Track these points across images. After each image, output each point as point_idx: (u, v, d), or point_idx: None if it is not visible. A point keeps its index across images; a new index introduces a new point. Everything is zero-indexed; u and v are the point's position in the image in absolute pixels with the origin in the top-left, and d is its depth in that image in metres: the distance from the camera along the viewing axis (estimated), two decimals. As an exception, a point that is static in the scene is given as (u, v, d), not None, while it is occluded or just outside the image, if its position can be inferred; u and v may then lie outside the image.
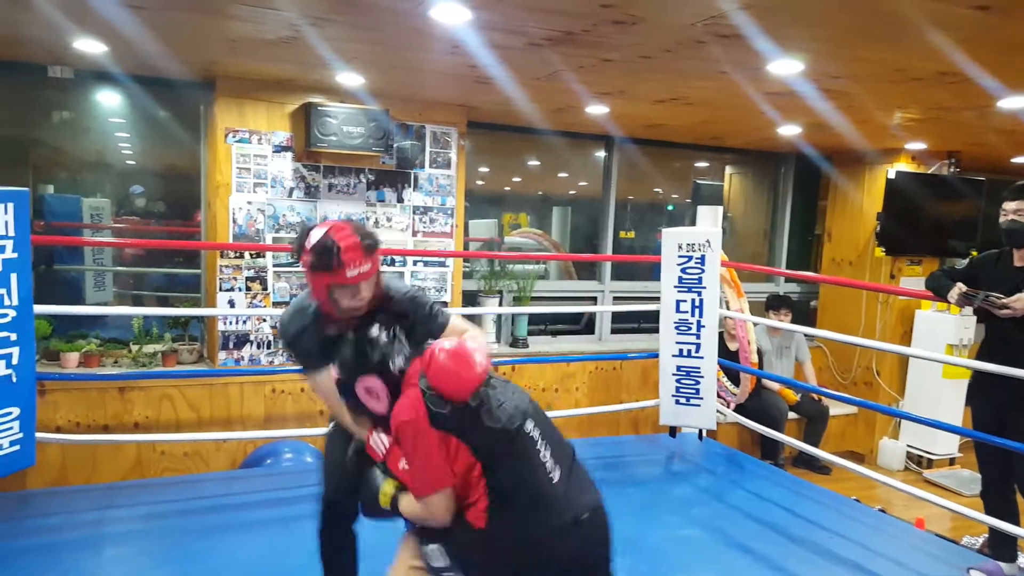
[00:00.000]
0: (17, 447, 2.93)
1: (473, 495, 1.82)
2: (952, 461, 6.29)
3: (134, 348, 4.38)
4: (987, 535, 3.79)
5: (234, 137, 4.31)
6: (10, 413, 2.88)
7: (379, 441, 1.96)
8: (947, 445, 6.23)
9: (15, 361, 2.88)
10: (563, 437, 1.96)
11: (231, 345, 4.42)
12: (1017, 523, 3.05)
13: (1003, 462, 3.03)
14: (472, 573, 1.87)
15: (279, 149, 4.42)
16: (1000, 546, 3.05)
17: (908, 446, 6.32)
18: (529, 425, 1.86)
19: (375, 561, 2.23)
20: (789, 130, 5.29)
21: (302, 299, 2.21)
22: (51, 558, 2.76)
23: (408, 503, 1.90)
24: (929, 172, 6.32)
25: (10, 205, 2.82)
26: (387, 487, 1.94)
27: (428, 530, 1.89)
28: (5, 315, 2.83)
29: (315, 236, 2.02)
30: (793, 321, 6.47)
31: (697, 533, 3.18)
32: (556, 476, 1.85)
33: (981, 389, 3.15)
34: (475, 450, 1.80)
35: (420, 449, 1.80)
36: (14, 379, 2.88)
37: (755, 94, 3.98)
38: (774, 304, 5.65)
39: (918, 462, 6.28)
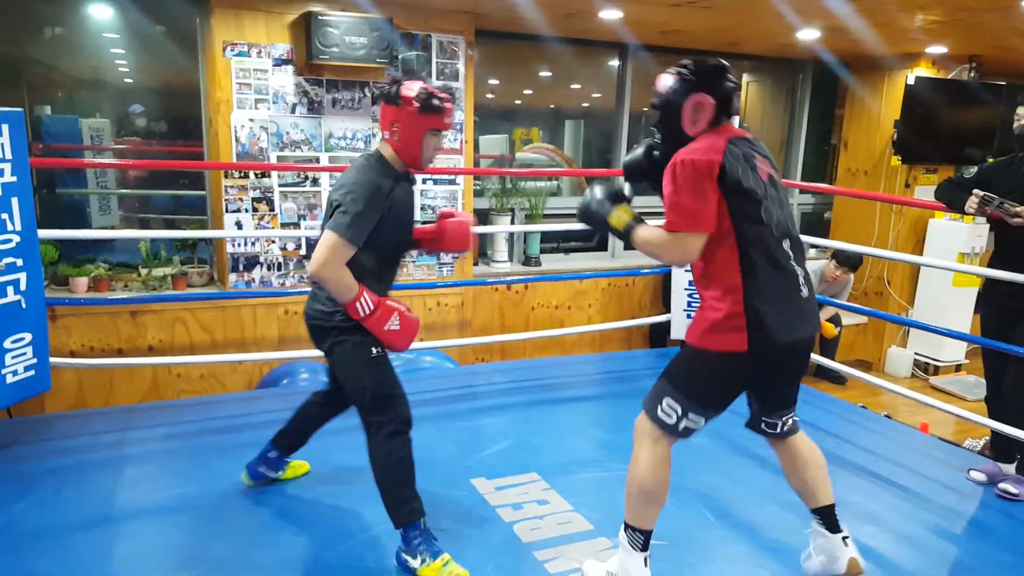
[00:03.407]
0: (32, 372, 2.96)
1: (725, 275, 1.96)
2: (958, 368, 6.35)
3: (143, 272, 4.37)
4: (988, 437, 3.85)
5: (232, 51, 4.16)
6: (22, 339, 2.89)
7: (366, 302, 2.23)
8: (953, 352, 6.28)
9: (23, 287, 2.87)
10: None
11: (241, 267, 4.40)
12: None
13: (1005, 367, 3.05)
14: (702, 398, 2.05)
15: (279, 62, 4.28)
16: (1001, 448, 3.10)
17: (916, 354, 6.37)
18: (785, 243, 2.01)
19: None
20: (807, 35, 5.08)
21: (371, 163, 2.29)
22: (75, 477, 2.82)
23: (650, 233, 2.04)
24: (949, 77, 6.11)
25: (4, 126, 2.74)
26: (621, 212, 2.09)
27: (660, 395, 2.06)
28: (8, 240, 2.79)
29: (416, 85, 2.23)
30: (807, 233, 6.39)
31: (705, 441, 3.21)
32: (805, 290, 2.03)
33: (990, 296, 3.13)
34: (735, 226, 1.94)
35: (699, 189, 1.91)
36: (23, 305, 2.87)
37: (774, -5, 3.80)
38: (843, 260, 5.38)
39: (924, 369, 6.34)
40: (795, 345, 2.01)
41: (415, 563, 2.24)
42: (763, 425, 2.21)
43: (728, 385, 2.06)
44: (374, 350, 2.32)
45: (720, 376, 2.03)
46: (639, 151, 2.24)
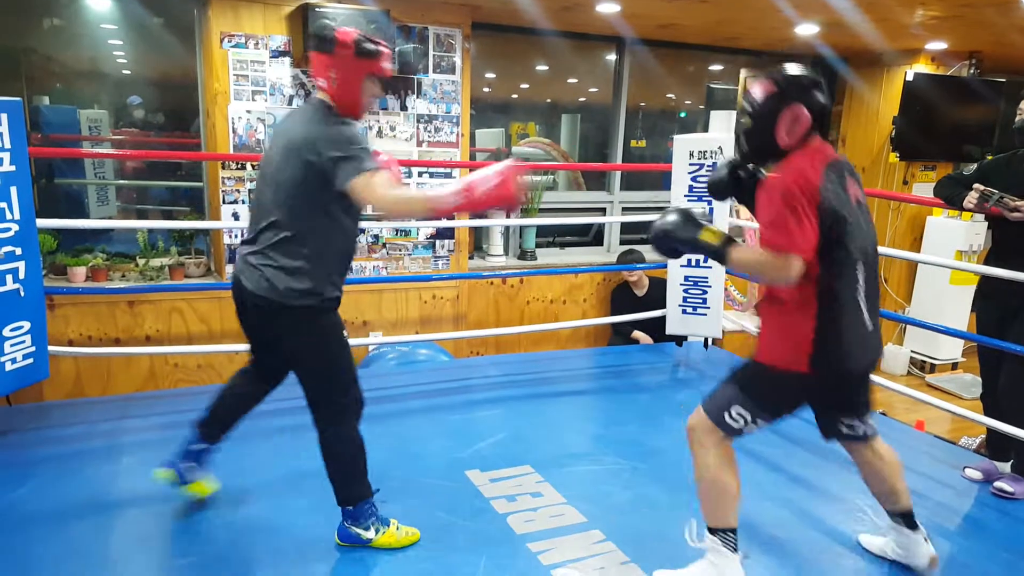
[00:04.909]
0: (31, 360, 2.97)
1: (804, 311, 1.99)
2: (955, 366, 6.36)
3: (140, 262, 4.38)
4: (984, 435, 3.86)
5: (230, 42, 4.16)
6: (21, 327, 2.90)
7: (451, 193, 2.03)
8: (950, 350, 6.29)
9: (22, 275, 2.88)
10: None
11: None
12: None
13: (1002, 365, 3.05)
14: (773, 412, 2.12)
15: (276, 54, 4.28)
16: (996, 446, 3.11)
17: (912, 351, 6.38)
18: (862, 271, 2.02)
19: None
20: (807, 30, 5.08)
21: (327, 111, 2.17)
22: (73, 465, 2.84)
23: (749, 253, 2.05)
24: (948, 74, 6.12)
25: (3, 116, 2.75)
26: (712, 231, 2.10)
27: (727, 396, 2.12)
28: (7, 229, 2.80)
29: (351, 30, 2.16)
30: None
31: (702, 438, 3.24)
32: (870, 323, 2.05)
33: (986, 293, 3.13)
34: (820, 251, 1.93)
35: (801, 212, 1.90)
36: (22, 293, 2.89)
37: (772, -10, 3.80)
38: None
39: (921, 367, 6.35)
40: (853, 373, 2.07)
41: (369, 534, 2.30)
42: (842, 428, 2.24)
43: (793, 399, 2.13)
44: (345, 333, 2.33)
45: (785, 390, 2.09)
46: (723, 172, 2.27)
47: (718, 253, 2.09)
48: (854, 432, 2.23)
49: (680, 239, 2.13)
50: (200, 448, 2.51)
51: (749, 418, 2.09)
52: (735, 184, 2.24)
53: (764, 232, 1.98)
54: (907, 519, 2.28)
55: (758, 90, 2.05)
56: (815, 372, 2.00)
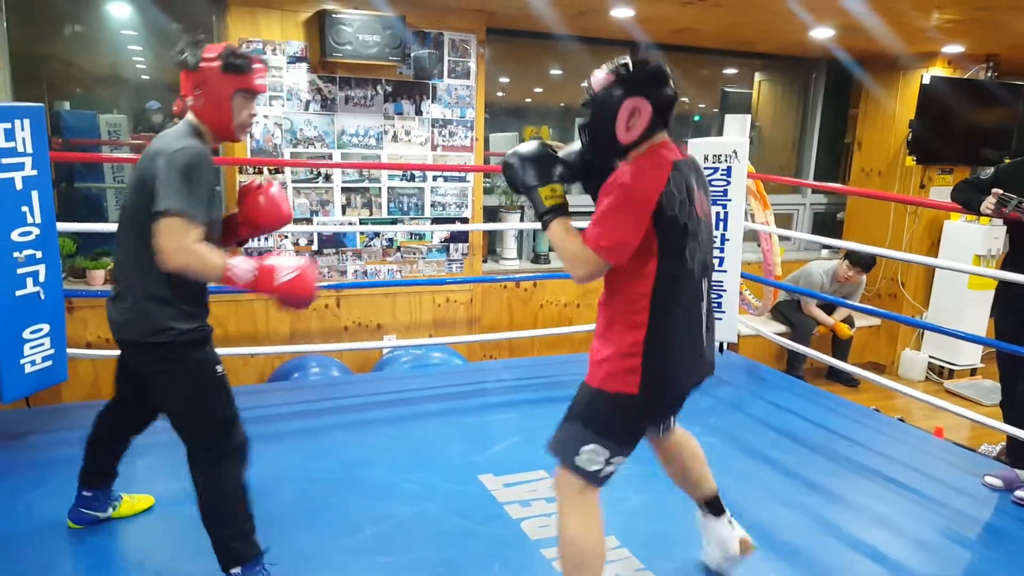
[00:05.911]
0: (50, 363, 3.00)
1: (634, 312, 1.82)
2: (973, 372, 6.29)
3: (158, 265, 4.41)
4: (1004, 443, 3.82)
5: (248, 48, 4.19)
6: (41, 329, 2.94)
7: (242, 266, 1.93)
8: (969, 356, 6.22)
9: (42, 279, 2.91)
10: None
11: (253, 261, 4.43)
12: None
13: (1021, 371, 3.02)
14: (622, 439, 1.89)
15: (294, 60, 4.31)
16: (1017, 454, 3.07)
17: (930, 357, 6.32)
18: (703, 282, 1.91)
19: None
20: (822, 33, 5.06)
21: (187, 131, 1.99)
22: (91, 467, 2.86)
23: (567, 235, 1.86)
24: (965, 77, 6.07)
25: (26, 121, 2.78)
26: (555, 190, 1.91)
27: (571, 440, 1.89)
28: (29, 232, 2.84)
29: (220, 45, 1.99)
30: (820, 233, 6.39)
31: (715, 441, 3.22)
32: (705, 341, 1.94)
33: (1004, 298, 3.10)
34: (658, 260, 1.79)
35: (634, 220, 1.75)
36: (42, 296, 2.92)
37: (788, -6, 3.79)
38: (856, 260, 5.49)
39: (939, 373, 6.29)
40: (678, 394, 1.93)
41: None
42: (653, 432, 2.14)
43: (633, 422, 1.91)
44: (218, 368, 2.08)
45: (622, 415, 1.87)
46: (575, 148, 2.04)
47: (541, 218, 1.91)
48: (662, 431, 2.15)
49: (519, 180, 1.94)
50: (90, 495, 2.42)
51: (607, 456, 1.85)
52: (584, 168, 2.00)
53: (591, 224, 1.81)
54: (713, 505, 2.20)
55: (598, 79, 1.86)
56: (644, 394, 1.82)
